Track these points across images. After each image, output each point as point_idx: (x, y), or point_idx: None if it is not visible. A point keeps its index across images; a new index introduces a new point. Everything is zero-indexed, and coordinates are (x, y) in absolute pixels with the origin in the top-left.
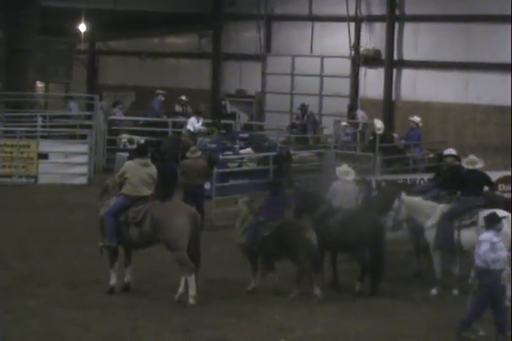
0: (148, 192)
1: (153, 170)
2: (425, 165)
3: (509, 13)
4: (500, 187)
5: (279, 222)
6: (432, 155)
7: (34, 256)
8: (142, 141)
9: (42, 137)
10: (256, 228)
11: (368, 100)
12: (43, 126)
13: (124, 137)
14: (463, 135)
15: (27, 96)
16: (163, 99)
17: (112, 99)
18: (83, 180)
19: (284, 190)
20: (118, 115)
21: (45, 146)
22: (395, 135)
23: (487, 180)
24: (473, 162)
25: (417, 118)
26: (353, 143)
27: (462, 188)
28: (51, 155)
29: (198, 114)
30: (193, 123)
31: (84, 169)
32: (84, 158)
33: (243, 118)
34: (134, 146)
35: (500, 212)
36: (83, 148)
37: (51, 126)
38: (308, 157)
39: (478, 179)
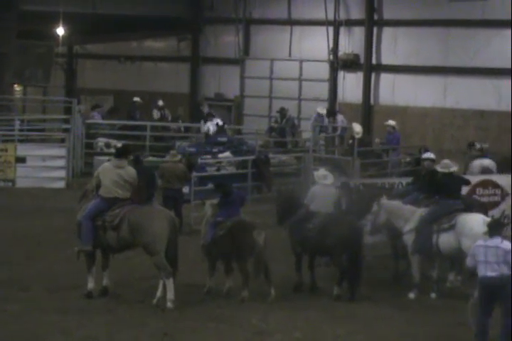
0: (122, 194)
1: (128, 172)
2: (402, 169)
3: (487, 17)
4: (478, 191)
5: (231, 222)
6: (408, 159)
7: (13, 260)
8: (119, 144)
9: (20, 141)
10: (213, 228)
11: (346, 104)
12: (20, 130)
13: (101, 141)
14: (441, 139)
15: (4, 99)
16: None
17: (90, 102)
18: (61, 184)
19: (231, 189)
20: (96, 118)
21: (22, 150)
22: (377, 140)
23: (464, 181)
24: (447, 166)
25: (392, 122)
26: (331, 146)
27: (440, 192)
28: (29, 159)
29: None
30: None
31: (62, 173)
32: (62, 162)
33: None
34: (111, 150)
35: (478, 216)
36: (61, 151)
37: (29, 130)
38: (287, 160)
39: (455, 182)
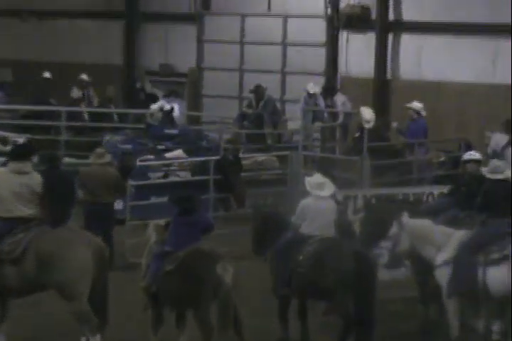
0: (25, 211)
1: (34, 179)
2: (433, 173)
3: None
4: None
5: (185, 252)
6: (442, 159)
7: None
8: (21, 140)
9: None
10: (159, 262)
11: (351, 79)
12: None
13: None
14: (489, 129)
15: None
16: None
17: None
18: None
19: (198, 207)
20: None
21: None
22: (394, 124)
23: None
24: (498, 170)
25: (417, 105)
26: (330, 141)
27: (489, 208)
28: None
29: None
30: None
31: None
32: None
33: None
34: (8, 148)
35: None
36: None
37: None
38: (266, 162)
39: (508, 194)
